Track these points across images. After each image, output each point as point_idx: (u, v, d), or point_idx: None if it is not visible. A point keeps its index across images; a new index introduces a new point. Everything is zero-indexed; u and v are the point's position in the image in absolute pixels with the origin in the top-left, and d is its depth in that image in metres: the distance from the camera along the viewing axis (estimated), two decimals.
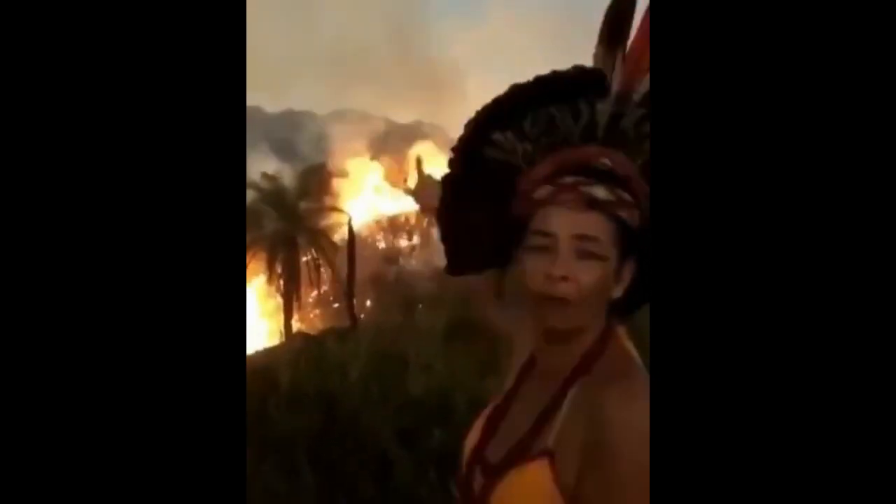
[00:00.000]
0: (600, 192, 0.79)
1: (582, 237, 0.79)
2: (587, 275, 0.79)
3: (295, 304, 21.78)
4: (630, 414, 0.76)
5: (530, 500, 0.80)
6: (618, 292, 0.84)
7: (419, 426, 2.78)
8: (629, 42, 0.84)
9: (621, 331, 0.87)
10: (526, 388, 0.92)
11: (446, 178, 0.91)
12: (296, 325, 21.49)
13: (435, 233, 1.14)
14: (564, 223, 0.79)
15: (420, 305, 7.10)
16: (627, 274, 0.84)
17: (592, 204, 0.79)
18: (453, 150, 0.90)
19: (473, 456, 0.89)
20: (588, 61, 0.87)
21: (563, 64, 0.86)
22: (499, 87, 0.91)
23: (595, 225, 0.79)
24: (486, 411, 0.93)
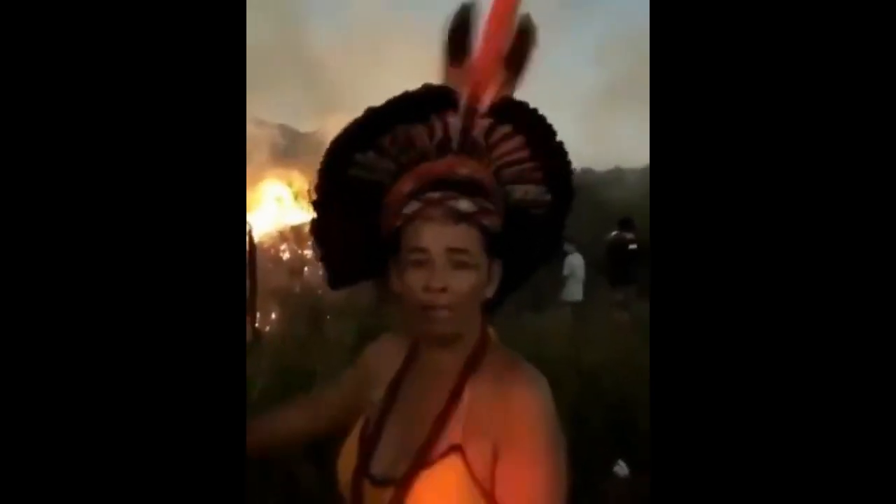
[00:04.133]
0: (465, 204, 0.85)
1: (454, 250, 0.85)
2: (462, 283, 0.85)
3: None
4: (533, 398, 0.83)
5: (447, 496, 0.83)
6: (489, 292, 0.92)
7: (327, 439, 2.72)
8: (472, 57, 0.89)
9: (491, 331, 0.96)
10: (405, 396, 0.95)
11: (315, 201, 0.95)
12: None
13: None
14: (436, 238, 0.85)
15: (328, 317, 6.95)
16: (496, 275, 0.92)
17: (459, 217, 0.85)
18: (318, 173, 0.94)
19: (357, 476, 0.92)
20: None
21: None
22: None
23: (464, 237, 0.85)
24: (356, 432, 0.97)
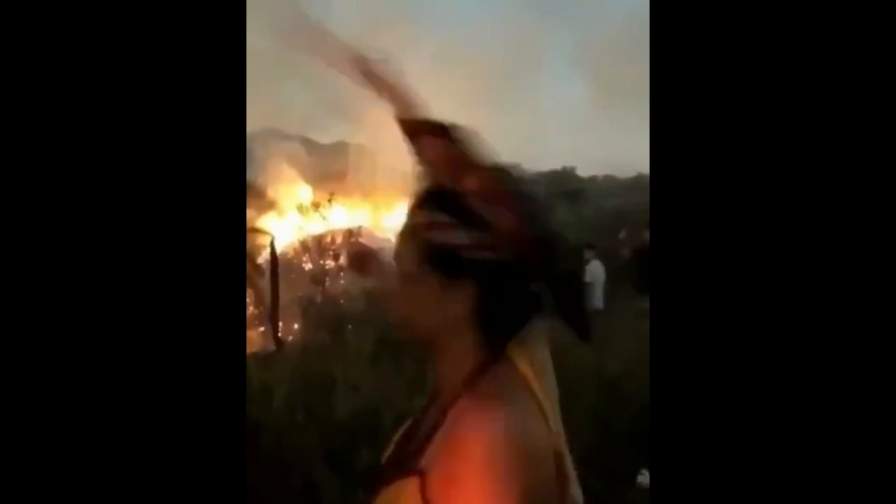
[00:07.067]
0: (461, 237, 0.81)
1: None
2: None
3: None
4: (471, 440, 0.73)
5: None
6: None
7: (346, 447, 2.73)
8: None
9: (517, 354, 0.84)
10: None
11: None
12: None
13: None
14: None
15: (349, 326, 6.99)
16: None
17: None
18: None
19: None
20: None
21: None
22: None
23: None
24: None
